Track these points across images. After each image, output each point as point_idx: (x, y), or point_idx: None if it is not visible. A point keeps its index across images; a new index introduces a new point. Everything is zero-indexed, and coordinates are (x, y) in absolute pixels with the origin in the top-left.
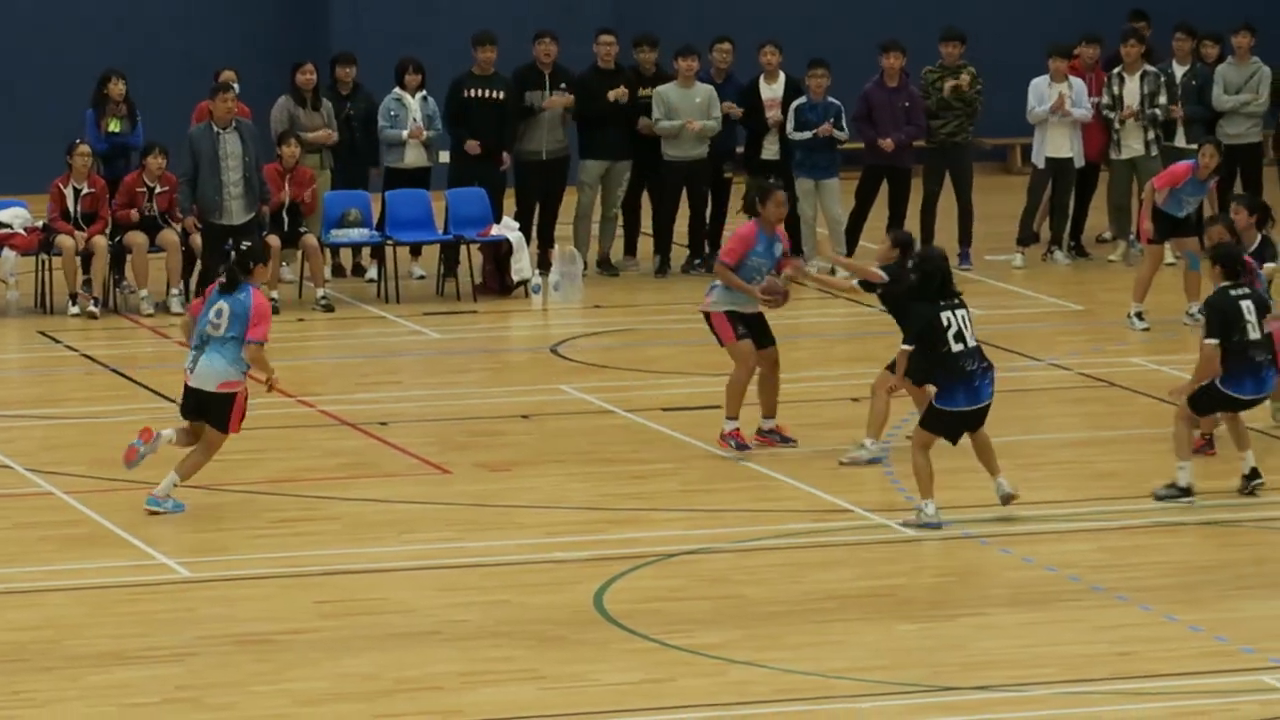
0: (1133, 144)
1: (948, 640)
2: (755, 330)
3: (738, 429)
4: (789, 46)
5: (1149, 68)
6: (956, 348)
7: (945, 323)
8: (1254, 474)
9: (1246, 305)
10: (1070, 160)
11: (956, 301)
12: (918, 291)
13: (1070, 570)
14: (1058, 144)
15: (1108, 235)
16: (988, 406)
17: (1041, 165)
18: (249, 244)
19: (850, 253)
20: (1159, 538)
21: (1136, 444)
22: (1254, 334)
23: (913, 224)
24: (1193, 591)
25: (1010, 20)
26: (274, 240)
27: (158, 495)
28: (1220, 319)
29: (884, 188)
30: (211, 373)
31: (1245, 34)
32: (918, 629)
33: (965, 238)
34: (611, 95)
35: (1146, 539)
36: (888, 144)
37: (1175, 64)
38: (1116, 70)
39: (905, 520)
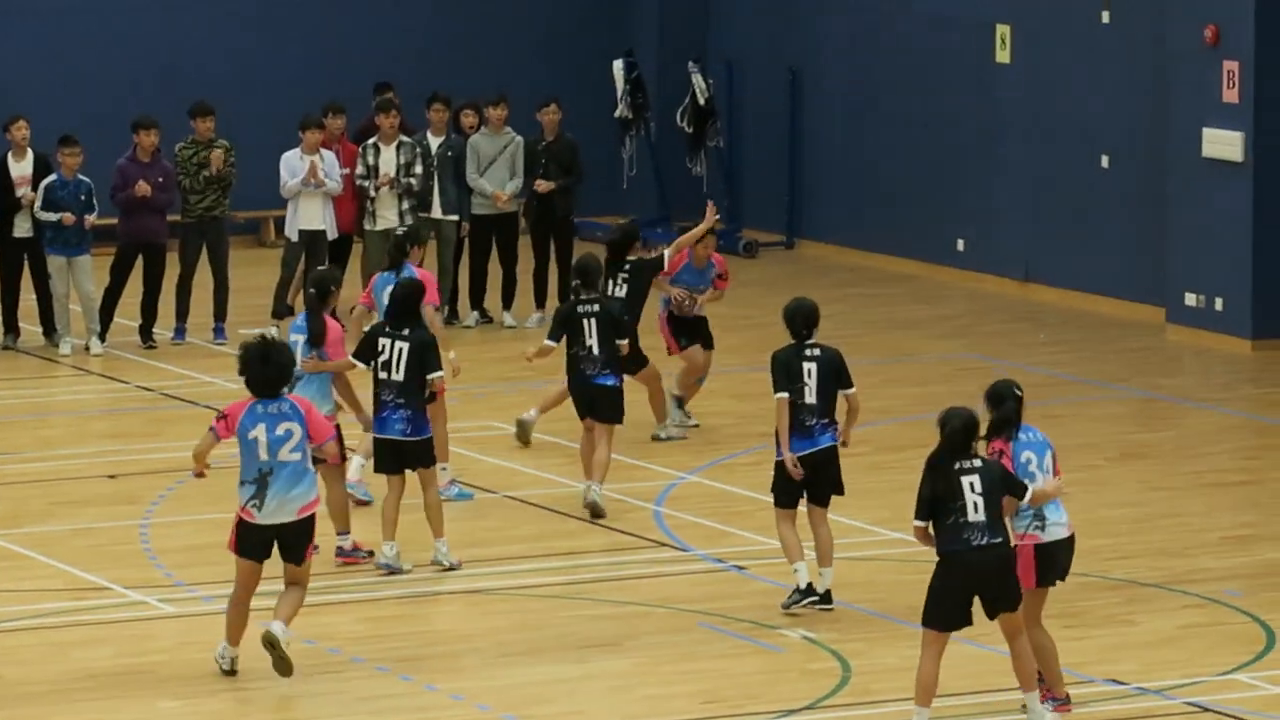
0: (387, 214)
1: (208, 715)
2: None
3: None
4: (37, 122)
5: (404, 138)
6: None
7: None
8: (826, 596)
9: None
10: (323, 232)
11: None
12: None
13: (330, 643)
14: (310, 216)
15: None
16: None
17: (295, 238)
18: None
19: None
20: (421, 608)
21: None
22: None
23: (168, 298)
24: (455, 660)
25: (259, 93)
26: None
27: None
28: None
29: (139, 263)
30: None
31: (501, 106)
32: (180, 705)
33: (220, 312)
34: None
35: (408, 609)
36: (143, 188)
37: (430, 135)
38: (372, 141)
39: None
